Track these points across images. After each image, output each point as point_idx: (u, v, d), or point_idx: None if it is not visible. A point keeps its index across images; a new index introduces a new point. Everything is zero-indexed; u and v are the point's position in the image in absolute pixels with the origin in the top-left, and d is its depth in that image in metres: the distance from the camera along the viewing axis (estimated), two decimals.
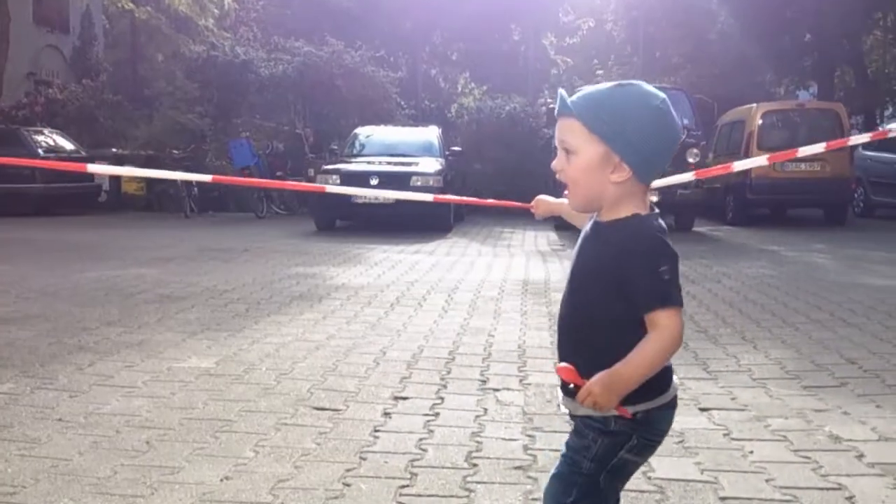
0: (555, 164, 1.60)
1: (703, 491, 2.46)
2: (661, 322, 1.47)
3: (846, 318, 5.24)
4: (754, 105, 14.13)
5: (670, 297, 1.48)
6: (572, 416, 1.64)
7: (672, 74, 22.01)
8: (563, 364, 1.54)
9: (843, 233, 12.14)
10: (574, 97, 1.58)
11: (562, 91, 1.60)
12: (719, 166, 5.25)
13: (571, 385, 1.52)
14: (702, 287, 6.63)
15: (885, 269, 7.80)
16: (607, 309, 1.54)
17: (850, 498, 2.41)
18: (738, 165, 6.56)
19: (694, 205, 12.22)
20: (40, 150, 14.34)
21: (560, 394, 1.65)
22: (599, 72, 24.57)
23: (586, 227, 1.66)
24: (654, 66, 23.01)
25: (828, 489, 2.48)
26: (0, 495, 2.38)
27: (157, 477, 2.55)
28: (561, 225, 12.05)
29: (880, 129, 16.09)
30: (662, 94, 1.59)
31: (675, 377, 1.60)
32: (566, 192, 1.63)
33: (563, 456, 1.65)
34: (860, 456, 2.77)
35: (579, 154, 1.55)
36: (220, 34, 21.04)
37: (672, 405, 1.60)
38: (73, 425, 3.04)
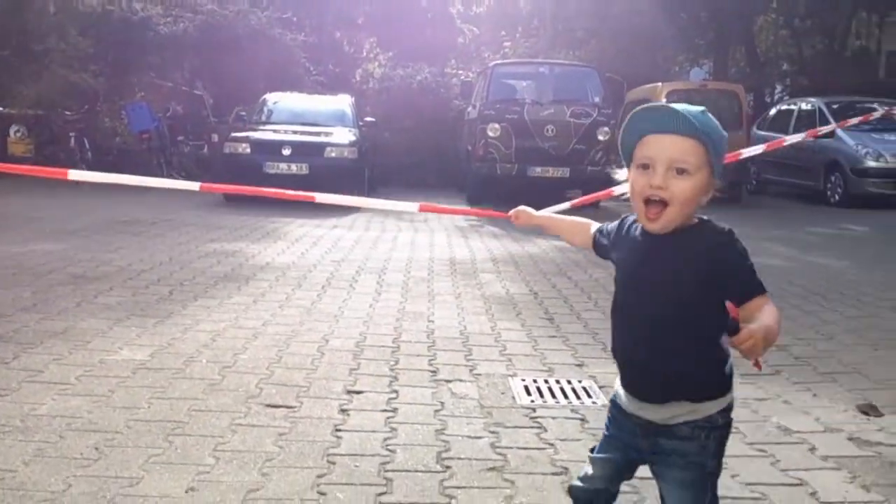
0: (657, 181, 1.65)
1: None
2: (769, 305, 1.61)
3: None
4: (660, 84, 14.53)
5: (762, 284, 1.64)
6: (665, 427, 1.70)
7: (577, 49, 22.28)
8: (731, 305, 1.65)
9: (738, 210, 12.68)
10: (694, 119, 1.63)
11: (684, 111, 1.64)
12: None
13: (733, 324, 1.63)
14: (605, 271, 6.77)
15: (785, 250, 8.17)
16: (708, 304, 1.66)
17: (813, 493, 2.52)
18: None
19: (602, 181, 12.48)
20: None
21: (638, 404, 1.73)
22: (507, 43, 24.60)
23: (635, 240, 1.75)
24: (559, 39, 23.22)
25: (791, 485, 2.58)
26: None
27: (115, 490, 2.39)
28: (474, 198, 12.08)
29: (776, 108, 16.83)
30: None
31: None
32: (652, 216, 1.67)
33: (677, 467, 1.70)
34: (812, 448, 2.90)
35: (695, 176, 1.65)
36: None
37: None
38: (10, 430, 2.82)
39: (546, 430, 3.04)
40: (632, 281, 1.76)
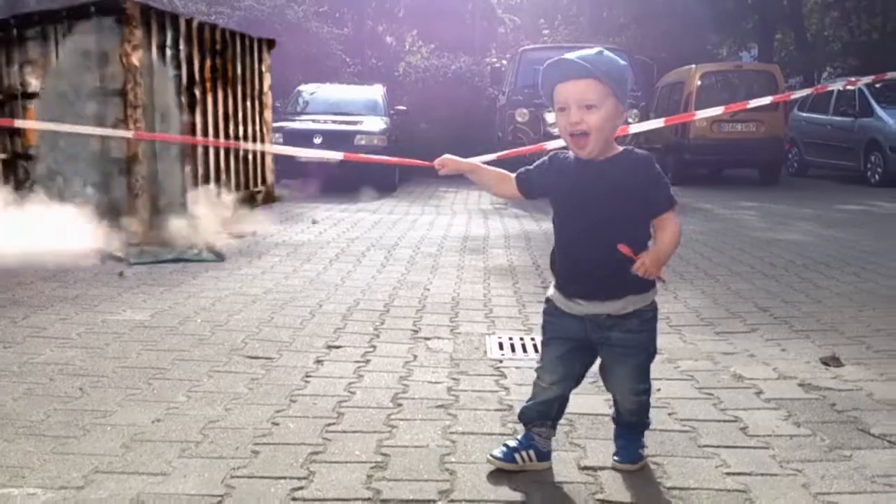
0: (573, 119, 2.04)
1: (610, 423, 2.63)
2: (672, 218, 2.10)
3: (765, 270, 5.50)
4: (693, 66, 14.41)
5: (673, 199, 2.11)
6: (617, 318, 2.15)
7: (617, 35, 22.15)
8: (622, 245, 2.04)
9: (775, 191, 12.56)
10: (587, 62, 2.01)
11: (574, 57, 2.02)
12: (684, 115, 5.67)
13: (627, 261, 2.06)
14: None
15: (809, 226, 8.13)
16: (635, 216, 2.09)
17: (743, 429, 2.61)
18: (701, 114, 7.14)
19: None
20: None
21: (594, 306, 2.16)
22: (546, 31, 24.57)
23: (570, 172, 2.14)
24: (600, 26, 23.12)
25: (724, 421, 2.68)
26: None
27: (89, 420, 2.63)
28: None
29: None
30: None
31: None
32: (578, 145, 2.09)
33: (627, 354, 2.19)
34: (759, 392, 2.98)
35: (598, 108, 2.03)
36: None
37: None
38: (6, 374, 3.09)
39: (505, 378, 3.18)
40: (572, 200, 2.15)
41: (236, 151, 8.13)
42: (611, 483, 2.19)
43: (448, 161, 2.44)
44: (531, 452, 2.27)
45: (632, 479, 2.22)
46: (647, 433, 2.46)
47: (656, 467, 2.30)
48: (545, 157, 2.25)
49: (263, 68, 9.16)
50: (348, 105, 12.95)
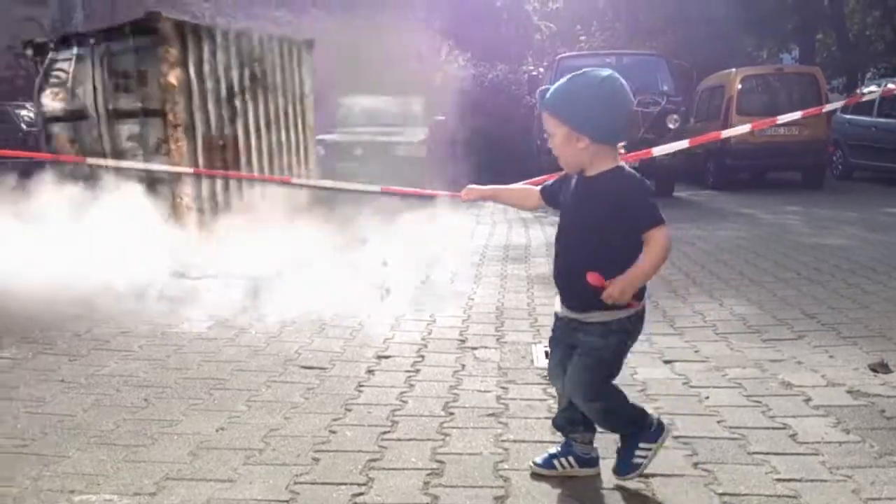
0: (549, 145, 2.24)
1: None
2: (656, 235, 2.12)
3: (811, 276, 5.48)
4: (734, 70, 14.28)
5: (659, 216, 2.13)
6: (581, 322, 2.25)
7: (654, 40, 22.05)
8: (592, 272, 2.11)
9: (819, 195, 12.39)
10: (544, 97, 2.20)
11: (540, 91, 2.23)
12: (710, 133, 5.60)
13: (594, 287, 2.13)
14: (676, 250, 6.85)
15: (854, 231, 8.03)
16: (617, 230, 2.14)
17: (793, 436, 2.64)
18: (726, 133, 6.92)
19: (675, 170, 12.42)
20: (23, 125, 14.35)
21: (566, 310, 2.30)
22: (582, 37, 24.56)
23: (572, 185, 2.28)
24: (636, 31, 23.04)
25: (774, 428, 2.71)
26: (13, 447, 2.58)
27: (156, 429, 2.75)
28: None
29: (857, 91, 16.30)
30: (607, 72, 2.16)
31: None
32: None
33: (581, 355, 2.26)
34: (807, 400, 3.00)
35: (555, 136, 2.21)
36: (199, 4, 20.87)
37: (644, 309, 2.29)
38: (74, 386, 3.24)
39: (553, 387, 3.24)
40: (566, 215, 2.30)
41: (279, 162, 8.14)
42: (663, 490, 2.25)
43: (473, 190, 2.61)
44: (570, 459, 2.37)
45: (683, 486, 2.27)
46: (696, 440, 2.51)
47: (707, 474, 2.34)
48: (562, 174, 2.41)
49: (304, 70, 8.97)
50: (388, 115, 13.10)
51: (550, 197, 2.42)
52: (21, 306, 4.52)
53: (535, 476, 2.35)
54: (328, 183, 6.31)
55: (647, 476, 2.33)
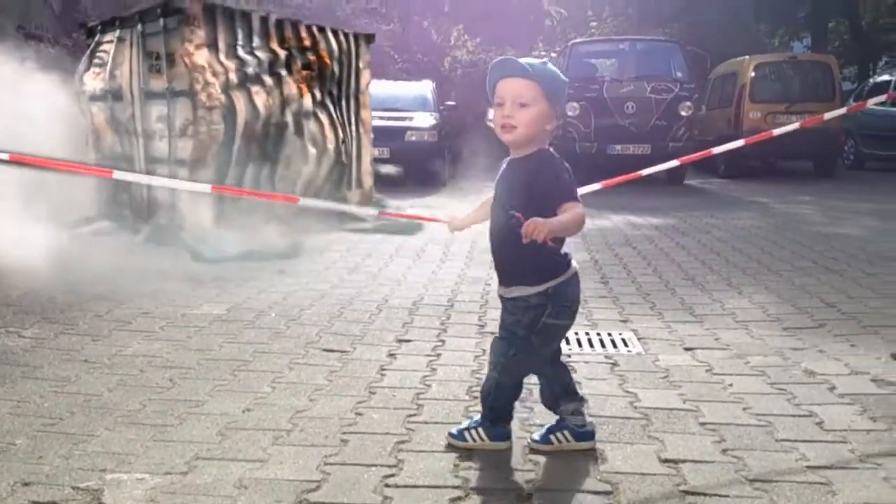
0: (506, 112, 2.22)
1: (685, 417, 2.69)
2: (572, 206, 2.17)
3: (828, 265, 5.46)
4: (747, 57, 14.20)
5: (575, 194, 2.21)
6: (505, 299, 2.36)
7: (666, 26, 21.92)
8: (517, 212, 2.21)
9: (831, 185, 12.34)
10: (529, 66, 2.22)
11: (523, 61, 2.25)
12: (706, 150, 5.55)
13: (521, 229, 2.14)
14: (691, 238, 6.84)
15: (868, 220, 8.01)
16: (530, 211, 2.15)
17: (819, 423, 2.64)
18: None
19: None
20: None
21: (499, 287, 2.40)
22: (594, 23, 24.40)
23: (503, 167, 2.37)
24: (649, 17, 22.92)
25: (800, 416, 2.71)
26: (42, 425, 2.59)
27: (183, 409, 2.76)
28: None
29: (871, 80, 16.21)
30: None
31: (573, 262, 2.34)
32: (506, 135, 2.26)
33: (502, 329, 2.39)
34: (832, 388, 3.00)
35: (532, 107, 2.21)
36: None
37: (576, 281, 2.35)
38: (98, 366, 3.25)
39: (575, 372, 3.24)
40: (496, 192, 2.38)
41: (328, 161, 7.99)
42: (693, 475, 2.25)
43: (454, 221, 2.82)
44: (566, 433, 2.43)
45: (714, 471, 2.27)
46: (723, 426, 2.51)
47: (736, 460, 2.34)
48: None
49: (361, 65, 8.72)
50: (398, 101, 13.04)
51: None
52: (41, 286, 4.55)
53: (564, 459, 2.35)
54: (330, 205, 6.40)
55: (675, 462, 2.33)
